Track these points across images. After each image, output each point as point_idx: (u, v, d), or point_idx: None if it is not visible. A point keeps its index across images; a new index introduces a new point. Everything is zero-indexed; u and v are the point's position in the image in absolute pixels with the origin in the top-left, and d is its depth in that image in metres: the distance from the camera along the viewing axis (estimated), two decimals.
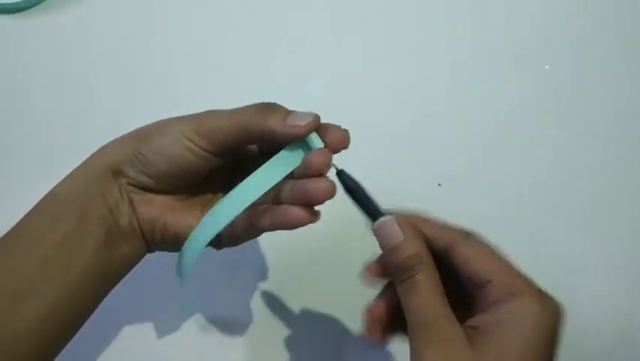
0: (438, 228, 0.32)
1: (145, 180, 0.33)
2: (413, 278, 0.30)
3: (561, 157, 0.51)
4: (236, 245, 0.36)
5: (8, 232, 0.32)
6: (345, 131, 0.34)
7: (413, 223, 0.32)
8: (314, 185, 0.32)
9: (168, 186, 0.34)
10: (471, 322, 0.30)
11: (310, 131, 0.32)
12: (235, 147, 0.33)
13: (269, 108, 0.32)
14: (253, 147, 0.36)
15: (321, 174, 0.32)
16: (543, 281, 0.47)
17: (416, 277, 0.30)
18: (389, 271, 0.32)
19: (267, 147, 0.34)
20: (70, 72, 0.52)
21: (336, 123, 0.34)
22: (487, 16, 0.56)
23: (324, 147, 0.32)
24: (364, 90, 0.53)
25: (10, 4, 0.53)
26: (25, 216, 0.33)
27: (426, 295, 0.30)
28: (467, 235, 0.32)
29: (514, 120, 0.52)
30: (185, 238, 0.34)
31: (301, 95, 0.52)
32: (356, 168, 0.49)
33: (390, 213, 0.33)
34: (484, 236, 0.33)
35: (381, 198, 0.48)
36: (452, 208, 0.49)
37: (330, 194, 0.32)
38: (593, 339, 0.45)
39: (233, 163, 0.36)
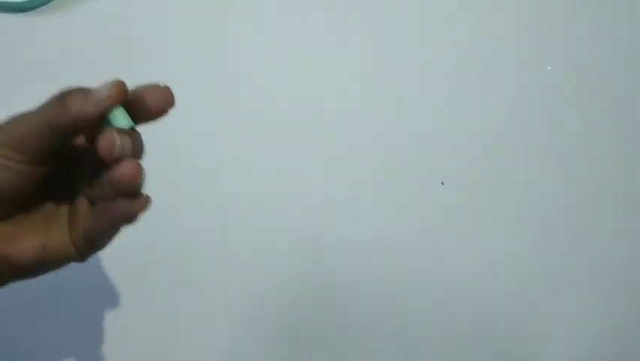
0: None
1: None
2: None
3: (564, 157, 0.51)
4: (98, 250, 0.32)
5: None
6: (165, 89, 0.31)
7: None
8: (116, 173, 0.28)
9: None
10: None
11: (114, 103, 0.29)
12: (56, 149, 0.29)
13: (67, 95, 0.29)
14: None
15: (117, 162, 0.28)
16: (544, 280, 0.47)
17: None
18: None
19: (94, 133, 0.30)
20: (78, 71, 0.52)
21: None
22: (490, 15, 0.56)
23: (132, 124, 0.29)
24: (367, 89, 0.53)
25: (18, 3, 0.53)
26: None
27: None
28: None
29: (518, 120, 0.52)
30: (34, 262, 0.30)
31: (302, 94, 0.53)
32: (359, 167, 0.50)
33: None
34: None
35: (385, 197, 0.49)
36: (455, 207, 0.50)
37: (137, 176, 0.29)
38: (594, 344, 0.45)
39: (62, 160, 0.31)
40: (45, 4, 0.55)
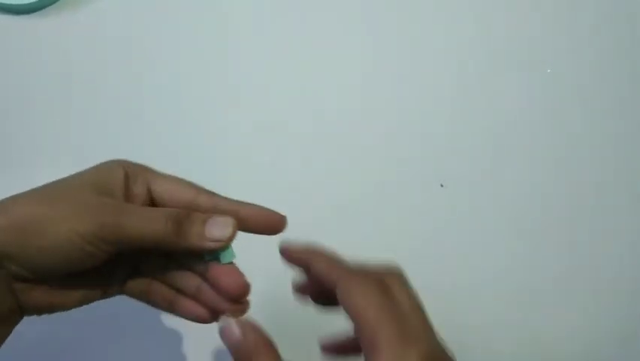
0: (327, 264, 0.30)
1: (26, 274, 0.29)
2: None
3: (563, 159, 0.51)
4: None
5: None
6: (280, 219, 0.33)
7: (303, 257, 0.31)
8: (227, 306, 0.31)
9: (52, 278, 0.30)
10: None
11: (230, 242, 0.30)
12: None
13: (185, 221, 0.30)
14: None
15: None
16: (544, 282, 0.47)
17: None
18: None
19: None
20: (83, 72, 0.53)
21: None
22: (491, 19, 0.57)
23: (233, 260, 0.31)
24: (367, 90, 0.53)
25: (24, 4, 0.54)
26: None
27: None
28: (350, 275, 0.29)
29: (517, 122, 0.52)
30: (73, 308, 0.31)
31: (304, 93, 0.53)
32: (359, 168, 0.50)
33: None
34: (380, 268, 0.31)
35: (384, 198, 0.49)
36: (454, 209, 0.50)
37: (242, 314, 0.31)
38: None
39: None
40: (49, 5, 0.55)
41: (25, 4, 0.54)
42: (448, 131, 0.52)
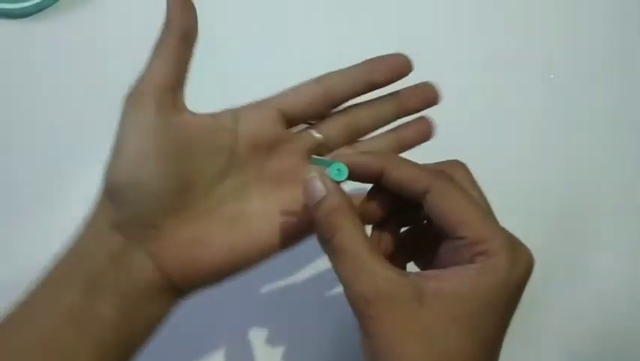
0: (412, 170, 0.29)
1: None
2: (338, 235, 0.27)
3: (565, 166, 0.51)
4: None
5: (18, 303, 0.28)
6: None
7: (382, 166, 0.29)
8: None
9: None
10: (431, 273, 0.27)
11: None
12: None
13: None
14: None
15: None
16: (544, 283, 0.47)
17: (340, 233, 0.27)
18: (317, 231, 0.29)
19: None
20: (82, 74, 0.52)
21: None
22: (493, 24, 0.57)
23: None
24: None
25: (20, 8, 0.54)
26: (37, 284, 0.28)
27: (353, 246, 0.27)
28: (443, 179, 0.29)
29: (518, 128, 0.52)
30: (224, 264, 0.30)
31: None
32: None
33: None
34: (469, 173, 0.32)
35: None
36: None
37: None
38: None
39: None
40: (45, 8, 0.55)
41: (21, 8, 0.53)
42: (448, 137, 0.51)
